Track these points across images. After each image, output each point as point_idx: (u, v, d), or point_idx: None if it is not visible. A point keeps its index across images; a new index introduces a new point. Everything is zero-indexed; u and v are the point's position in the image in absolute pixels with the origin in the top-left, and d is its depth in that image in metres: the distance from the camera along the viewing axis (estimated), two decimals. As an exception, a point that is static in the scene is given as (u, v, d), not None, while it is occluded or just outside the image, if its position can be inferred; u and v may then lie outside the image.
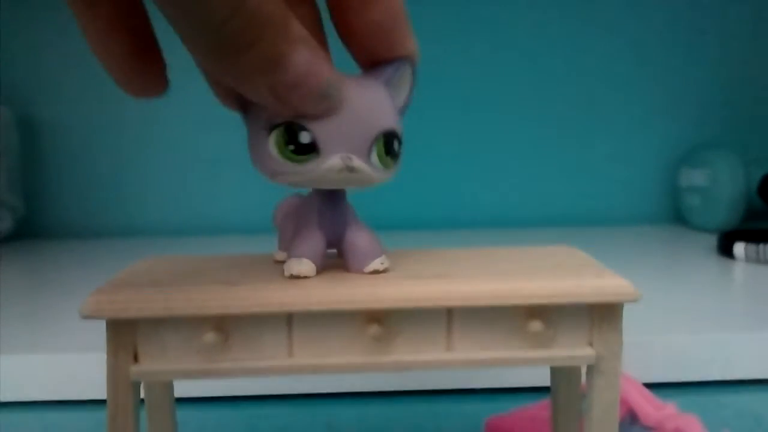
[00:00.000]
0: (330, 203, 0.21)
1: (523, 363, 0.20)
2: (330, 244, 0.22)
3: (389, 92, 0.21)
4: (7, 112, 0.71)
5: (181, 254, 0.24)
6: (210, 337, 0.19)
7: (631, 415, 0.29)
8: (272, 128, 0.19)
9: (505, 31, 0.77)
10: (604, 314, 0.20)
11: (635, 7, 0.77)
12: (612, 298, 0.20)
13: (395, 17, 0.20)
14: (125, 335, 0.19)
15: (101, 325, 0.19)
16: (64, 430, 0.34)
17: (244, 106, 0.20)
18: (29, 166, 0.75)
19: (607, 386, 0.20)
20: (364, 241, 0.21)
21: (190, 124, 0.76)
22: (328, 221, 0.21)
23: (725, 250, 0.59)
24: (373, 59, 0.21)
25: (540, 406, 0.31)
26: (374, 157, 0.20)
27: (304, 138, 0.19)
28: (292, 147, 0.19)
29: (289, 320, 0.20)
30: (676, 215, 0.79)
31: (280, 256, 0.23)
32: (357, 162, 0.19)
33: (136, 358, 0.20)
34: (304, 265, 0.20)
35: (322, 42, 0.21)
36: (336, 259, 0.22)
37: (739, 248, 0.57)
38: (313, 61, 0.18)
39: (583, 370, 0.22)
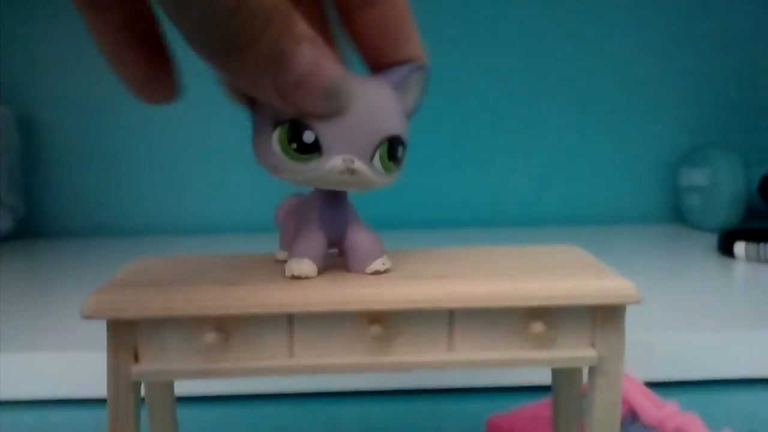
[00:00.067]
0: (331, 203, 0.21)
1: (524, 364, 0.20)
2: (331, 244, 0.22)
3: (398, 96, 0.21)
4: (7, 111, 0.71)
5: (180, 253, 0.24)
6: (210, 337, 0.19)
7: (632, 414, 0.29)
8: (277, 124, 0.19)
9: (504, 29, 0.76)
10: (606, 315, 0.20)
11: (636, 6, 0.77)
12: (614, 300, 0.20)
13: (401, 18, 0.20)
14: (126, 335, 0.19)
15: (102, 325, 0.19)
16: (65, 429, 0.34)
17: (251, 100, 0.20)
18: (29, 166, 0.75)
19: (609, 387, 0.20)
20: (365, 241, 0.21)
21: (191, 124, 0.76)
22: (329, 221, 0.21)
23: (726, 249, 0.59)
24: (380, 60, 0.21)
25: (541, 405, 0.31)
26: (377, 161, 0.20)
27: (308, 137, 0.19)
28: (294, 145, 0.19)
29: (290, 320, 0.20)
30: (677, 214, 0.79)
31: (282, 255, 0.23)
32: (358, 165, 0.19)
33: (136, 358, 0.20)
34: (305, 266, 0.20)
35: (330, 41, 0.21)
36: (337, 259, 0.22)
37: (739, 247, 0.57)
38: (317, 59, 0.17)
39: (585, 370, 0.22)
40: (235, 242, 0.69)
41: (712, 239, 0.65)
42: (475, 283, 0.20)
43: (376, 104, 0.20)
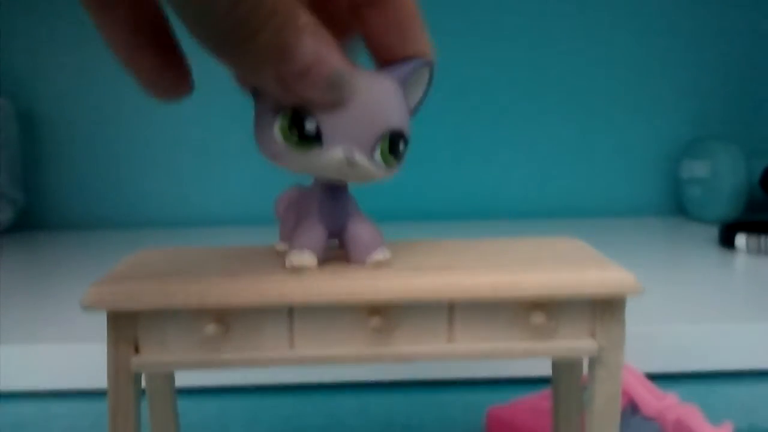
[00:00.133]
0: (331, 194, 0.21)
1: (524, 355, 0.20)
2: (331, 235, 0.21)
3: (403, 91, 0.20)
4: (8, 104, 0.71)
5: (180, 245, 0.24)
6: (211, 328, 0.19)
7: (632, 406, 0.29)
8: (279, 112, 0.19)
9: (506, 22, 0.76)
10: (606, 306, 0.20)
11: (637, -3, 0.77)
12: (614, 291, 0.20)
13: (409, 16, 0.20)
14: (126, 327, 0.19)
15: (102, 316, 0.19)
16: (66, 421, 0.34)
17: (255, 87, 0.20)
18: (29, 159, 0.75)
19: (609, 378, 0.20)
20: (365, 232, 0.21)
21: (191, 116, 0.76)
22: (329, 212, 0.21)
23: (727, 241, 0.59)
24: (389, 57, 0.21)
25: (541, 397, 0.32)
26: (377, 155, 0.20)
27: (309, 126, 0.19)
28: (296, 133, 0.19)
29: (290, 312, 0.20)
30: (678, 206, 0.79)
31: (282, 247, 0.23)
32: (359, 157, 0.19)
33: (137, 350, 0.20)
34: (306, 257, 0.20)
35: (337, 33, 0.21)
36: (337, 251, 0.22)
37: (740, 239, 0.57)
38: (320, 50, 0.17)
39: (585, 361, 0.22)
40: (235, 234, 0.69)
41: (713, 231, 0.65)
42: (475, 275, 0.20)
43: (379, 98, 0.20)
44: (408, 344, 0.20)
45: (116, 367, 0.19)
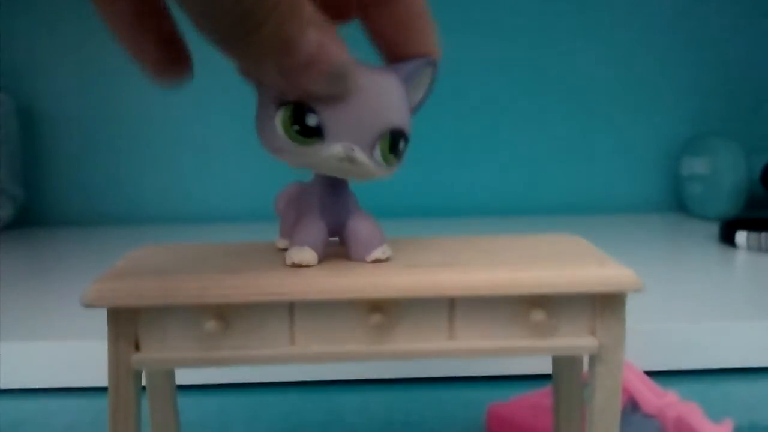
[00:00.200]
0: (332, 191, 0.21)
1: (525, 352, 0.20)
2: (332, 232, 0.21)
3: (406, 89, 0.20)
4: (8, 100, 0.71)
5: (181, 242, 0.24)
6: (211, 325, 0.19)
7: (632, 403, 0.29)
8: (281, 105, 0.19)
9: (506, 19, 0.76)
10: (606, 304, 0.20)
11: (638, -6, 0.77)
12: (615, 288, 0.20)
13: (417, 13, 0.20)
14: (126, 324, 0.19)
15: (102, 313, 0.19)
16: (66, 418, 0.34)
17: (258, 79, 0.20)
18: (29, 155, 0.75)
19: (609, 375, 0.20)
20: (366, 229, 0.21)
21: (191, 113, 0.76)
22: (329, 209, 0.21)
23: (727, 238, 0.59)
24: (396, 54, 0.21)
25: (541, 394, 0.32)
26: (377, 153, 0.20)
27: (311, 120, 0.19)
28: (297, 127, 0.19)
29: (291, 309, 0.20)
30: (678, 203, 0.79)
31: (282, 243, 0.23)
32: (359, 154, 0.19)
33: (137, 347, 0.20)
34: (306, 254, 0.20)
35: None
36: (338, 248, 0.22)
37: (740, 237, 0.57)
38: (324, 44, 0.17)
39: (585, 359, 0.22)
40: (236, 231, 0.69)
41: (714, 228, 0.65)
42: (476, 272, 0.20)
43: (382, 95, 0.20)
44: (408, 342, 0.20)
45: (116, 364, 0.19)
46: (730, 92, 0.79)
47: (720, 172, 0.70)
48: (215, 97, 0.73)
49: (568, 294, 0.20)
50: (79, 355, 0.36)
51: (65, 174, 0.77)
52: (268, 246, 0.23)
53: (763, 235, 0.56)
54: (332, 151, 0.19)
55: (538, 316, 0.20)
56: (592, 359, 0.21)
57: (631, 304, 0.21)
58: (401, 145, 0.20)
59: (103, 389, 0.20)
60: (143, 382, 0.22)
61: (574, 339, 0.20)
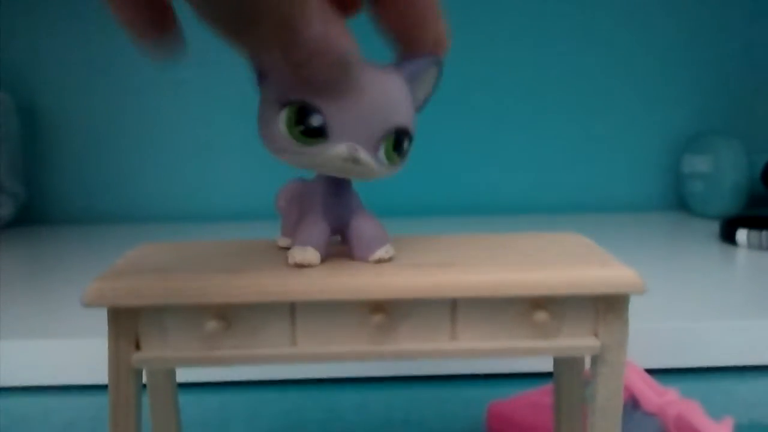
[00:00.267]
0: (335, 190, 0.21)
1: (527, 353, 0.20)
2: (334, 232, 0.21)
3: (410, 88, 0.20)
4: (8, 98, 0.71)
5: (182, 241, 0.24)
6: (212, 325, 0.19)
7: (633, 401, 0.29)
8: (285, 105, 0.19)
9: (507, 17, 0.76)
10: (609, 305, 0.20)
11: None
12: (617, 290, 0.20)
13: (430, 9, 0.20)
14: (127, 323, 0.19)
15: (103, 312, 0.19)
16: (67, 416, 0.34)
17: (260, 78, 0.20)
18: (30, 153, 0.75)
19: (612, 376, 0.20)
20: (369, 229, 0.21)
21: (193, 110, 0.76)
22: (332, 208, 0.21)
23: (728, 236, 0.59)
24: (405, 44, 0.20)
25: (542, 392, 0.32)
26: (381, 152, 0.20)
27: (315, 121, 0.19)
28: (301, 128, 0.19)
29: (293, 309, 0.20)
30: (679, 202, 0.79)
31: (283, 242, 0.23)
32: (363, 154, 0.19)
33: (137, 346, 0.20)
34: (309, 254, 0.20)
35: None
36: (340, 247, 0.22)
37: (741, 235, 0.57)
38: (329, 34, 0.17)
39: (587, 357, 0.22)
40: (237, 229, 0.69)
41: (715, 226, 0.65)
42: (478, 272, 0.20)
43: (386, 95, 0.19)
44: (410, 342, 0.20)
45: (117, 362, 0.19)
46: (731, 90, 0.79)
47: (721, 171, 0.70)
48: (217, 96, 0.73)
49: (571, 295, 0.20)
50: (80, 353, 0.36)
51: (66, 172, 0.77)
52: (269, 244, 0.23)
53: (764, 233, 0.56)
54: (336, 151, 0.19)
55: (541, 317, 0.20)
56: (595, 360, 0.21)
57: (632, 302, 0.20)
58: (405, 144, 0.20)
59: (104, 387, 0.20)
60: (144, 380, 0.22)
61: (577, 340, 0.20)
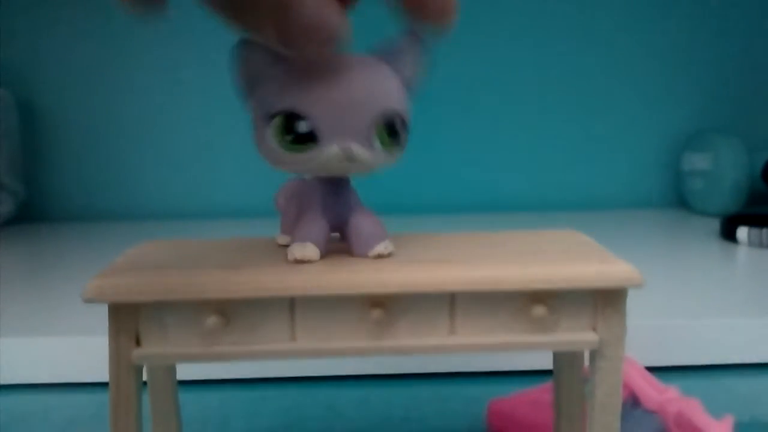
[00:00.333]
0: (333, 188, 0.21)
1: (526, 347, 0.20)
2: (333, 229, 0.21)
3: (394, 71, 0.20)
4: (8, 95, 0.71)
5: (182, 238, 0.24)
6: (212, 321, 0.19)
7: (633, 399, 0.29)
8: (271, 118, 0.19)
9: (507, 15, 0.76)
10: (607, 299, 0.20)
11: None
12: (615, 284, 0.20)
13: None
14: (127, 319, 0.19)
15: (103, 309, 0.19)
16: (67, 414, 0.34)
17: (246, 95, 0.20)
18: (30, 150, 0.75)
19: (610, 371, 0.20)
20: (368, 225, 0.21)
21: (192, 108, 0.76)
22: (331, 206, 0.21)
23: (728, 234, 0.59)
24: (414, 19, 0.20)
25: (542, 390, 0.32)
26: (376, 142, 0.20)
27: (302, 127, 0.19)
28: (290, 137, 0.19)
29: (292, 304, 0.20)
30: (679, 199, 0.79)
31: (283, 239, 0.23)
32: (357, 150, 0.19)
33: (138, 342, 0.20)
34: (308, 250, 0.20)
35: None
36: (340, 244, 0.22)
37: (742, 232, 0.57)
38: (321, 8, 0.17)
39: (586, 354, 0.22)
40: (237, 227, 0.69)
41: (715, 224, 0.65)
42: (476, 267, 0.20)
43: (368, 83, 0.19)
44: (409, 337, 0.20)
45: (117, 359, 0.19)
46: (731, 88, 0.79)
47: (721, 168, 0.70)
48: (216, 93, 0.73)
49: (569, 289, 0.20)
50: (80, 350, 0.36)
51: (66, 170, 0.77)
52: (268, 242, 0.23)
53: (765, 230, 0.56)
54: (330, 153, 0.19)
55: (539, 311, 0.20)
56: (593, 354, 0.21)
57: (632, 300, 0.21)
58: (399, 127, 0.20)
59: (105, 384, 0.20)
60: (144, 377, 0.22)
61: (575, 334, 0.20)
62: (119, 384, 0.20)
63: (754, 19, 0.78)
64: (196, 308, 0.19)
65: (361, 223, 0.21)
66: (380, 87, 0.20)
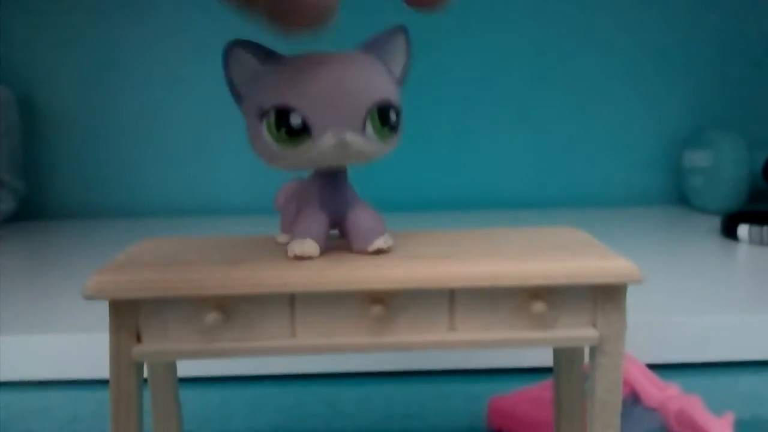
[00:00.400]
0: (331, 184, 0.21)
1: (525, 344, 0.20)
2: (332, 225, 0.21)
3: (382, 63, 0.21)
4: (8, 92, 0.71)
5: (182, 235, 0.24)
6: (212, 317, 0.19)
7: (634, 396, 0.29)
8: (263, 115, 0.19)
9: (505, 12, 0.76)
10: (607, 295, 0.20)
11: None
12: (615, 279, 0.20)
13: None
14: (127, 316, 0.19)
15: (103, 306, 0.19)
16: (68, 411, 0.34)
17: (238, 98, 0.21)
18: (30, 147, 0.75)
19: (611, 367, 0.20)
20: (367, 219, 0.21)
21: (192, 105, 0.76)
22: (330, 202, 0.21)
23: (729, 231, 0.59)
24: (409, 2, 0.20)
25: (542, 387, 0.32)
26: (369, 130, 0.20)
27: (295, 120, 0.19)
28: (284, 131, 0.19)
29: (292, 300, 0.20)
30: (680, 197, 0.79)
31: (283, 239, 0.23)
32: (350, 136, 0.19)
33: (138, 339, 0.20)
34: (308, 246, 0.20)
35: None
36: (339, 240, 0.22)
37: (742, 230, 0.57)
38: None
39: (586, 351, 0.22)
40: (237, 224, 0.69)
41: (715, 222, 0.65)
42: (476, 263, 0.20)
43: (357, 74, 0.20)
44: (409, 333, 0.20)
45: (118, 356, 0.19)
46: (732, 85, 0.79)
47: (722, 166, 0.69)
48: (216, 90, 0.73)
49: (569, 285, 0.20)
50: (81, 347, 0.36)
51: (66, 167, 0.77)
52: (268, 240, 0.23)
53: (765, 228, 0.56)
54: (323, 142, 0.19)
55: (539, 307, 0.20)
56: (593, 351, 0.21)
57: (633, 297, 0.21)
58: (392, 116, 0.20)
59: (105, 381, 0.20)
60: (145, 375, 0.22)
61: (575, 330, 0.20)
62: (120, 381, 0.20)
63: (753, 15, 0.77)
64: (196, 305, 0.19)
65: (360, 218, 0.21)
66: (370, 77, 0.20)
